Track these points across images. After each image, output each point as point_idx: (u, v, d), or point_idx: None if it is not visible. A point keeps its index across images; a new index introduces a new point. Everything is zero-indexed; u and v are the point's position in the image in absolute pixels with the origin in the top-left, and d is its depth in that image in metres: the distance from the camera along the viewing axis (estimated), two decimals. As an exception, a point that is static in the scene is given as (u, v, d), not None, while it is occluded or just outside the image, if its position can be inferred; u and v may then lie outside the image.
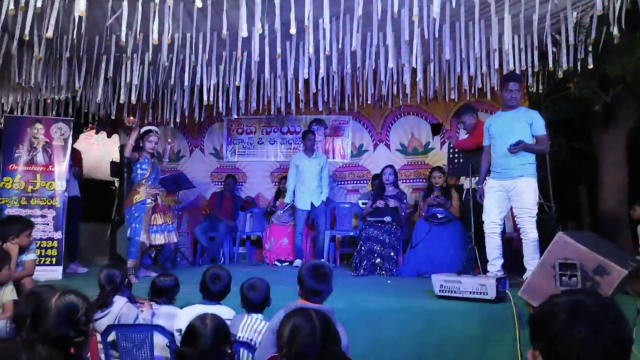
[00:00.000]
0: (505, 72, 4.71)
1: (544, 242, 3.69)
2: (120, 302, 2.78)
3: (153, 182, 4.82)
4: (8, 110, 5.96)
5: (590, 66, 4.43)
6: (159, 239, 4.81)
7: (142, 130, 4.90)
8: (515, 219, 3.93)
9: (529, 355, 1.12)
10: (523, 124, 3.90)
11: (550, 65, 4.53)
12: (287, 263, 5.95)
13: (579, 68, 4.55)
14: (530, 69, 4.70)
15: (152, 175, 4.80)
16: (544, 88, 5.18)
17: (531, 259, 3.81)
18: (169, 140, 5.43)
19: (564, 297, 1.10)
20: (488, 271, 3.97)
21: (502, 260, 3.96)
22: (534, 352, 1.10)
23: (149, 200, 4.70)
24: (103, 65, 5.05)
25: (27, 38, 3.63)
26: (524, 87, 4.89)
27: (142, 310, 2.81)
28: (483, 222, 4.01)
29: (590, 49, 4.39)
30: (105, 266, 2.95)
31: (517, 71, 4.69)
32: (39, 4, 3.25)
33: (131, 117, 4.93)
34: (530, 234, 3.82)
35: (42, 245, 4.76)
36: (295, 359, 1.55)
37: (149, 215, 4.72)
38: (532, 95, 5.56)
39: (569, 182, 6.22)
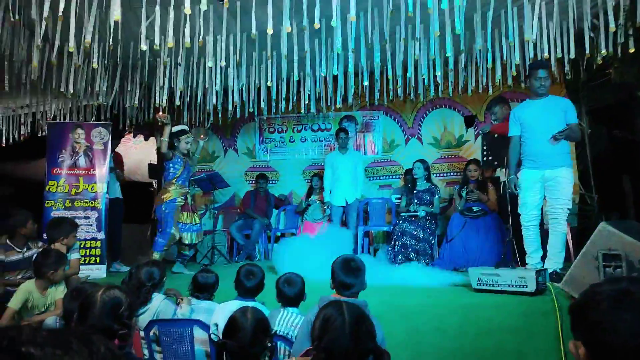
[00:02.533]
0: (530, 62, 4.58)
1: (586, 234, 3.59)
2: (158, 299, 2.86)
3: (184, 181, 4.90)
4: (51, 117, 6.22)
5: (632, 50, 4.25)
6: (186, 238, 4.88)
7: (176, 129, 4.99)
8: (547, 209, 3.79)
9: (571, 346, 1.09)
10: (558, 112, 3.79)
11: (588, 51, 4.37)
12: (322, 259, 5.98)
13: (619, 53, 4.37)
14: (566, 56, 4.55)
15: (183, 175, 4.87)
16: (581, 75, 5.00)
17: (559, 252, 3.74)
18: (202, 136, 5.51)
19: (606, 286, 1.07)
20: (527, 264, 3.89)
21: (541, 252, 3.87)
22: (576, 343, 1.07)
23: (179, 199, 4.78)
24: (138, 70, 5.22)
25: (72, 50, 3.80)
26: (553, 74, 4.72)
27: (181, 307, 2.89)
28: (519, 214, 3.89)
29: (630, 32, 4.21)
30: (145, 264, 3.04)
31: (553, 59, 4.56)
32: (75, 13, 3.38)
33: (161, 113, 4.98)
34: (562, 226, 3.73)
35: (86, 246, 4.96)
36: (327, 351, 1.56)
37: (178, 211, 4.81)
38: (570, 83, 5.38)
39: (611, 171, 5.98)
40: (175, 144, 4.89)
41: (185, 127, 5.10)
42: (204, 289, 3.00)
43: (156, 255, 4.66)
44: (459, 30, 3.63)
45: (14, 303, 3.16)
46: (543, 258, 3.85)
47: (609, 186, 5.86)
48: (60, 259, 3.36)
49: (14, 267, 3.81)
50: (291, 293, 2.62)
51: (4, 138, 6.27)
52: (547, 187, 3.77)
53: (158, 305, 2.80)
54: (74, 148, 5.17)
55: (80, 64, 4.64)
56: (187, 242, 4.89)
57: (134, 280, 2.88)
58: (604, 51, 4.28)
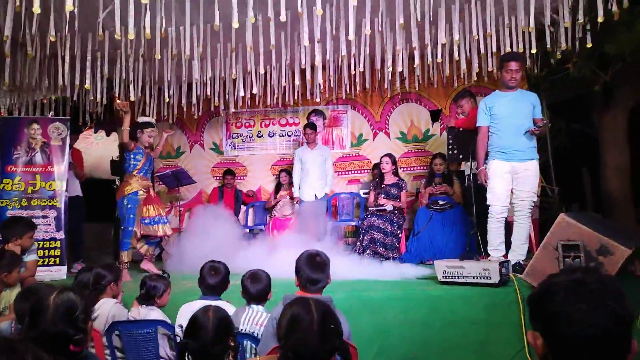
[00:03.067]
0: (502, 54, 4.66)
1: (547, 225, 3.68)
2: (109, 304, 2.75)
3: (145, 173, 4.72)
4: (6, 112, 5.94)
5: (589, 45, 4.38)
6: (153, 231, 4.70)
7: (141, 120, 4.81)
8: (514, 201, 3.82)
9: (529, 336, 1.10)
10: (528, 106, 3.83)
11: (549, 45, 4.48)
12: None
13: (577, 48, 4.49)
14: (528, 51, 4.64)
15: (144, 167, 4.69)
16: (542, 69, 5.12)
17: (522, 243, 3.81)
18: (166, 129, 5.33)
19: (562, 276, 1.08)
20: (489, 255, 3.95)
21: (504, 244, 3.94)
22: (534, 333, 1.08)
23: (140, 192, 4.61)
24: (98, 63, 5.03)
25: (20, 40, 3.63)
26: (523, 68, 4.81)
27: (130, 310, 2.80)
28: (489, 206, 3.85)
29: (588, 27, 4.33)
30: (99, 266, 2.92)
31: (514, 53, 4.63)
32: (36, 5, 3.21)
33: (119, 101, 4.69)
34: (528, 218, 3.80)
35: (45, 246, 4.77)
36: (294, 350, 1.53)
37: (141, 207, 4.63)
38: (531, 77, 5.51)
39: (570, 164, 6.18)
40: (138, 135, 4.68)
41: (152, 121, 4.90)
42: (149, 294, 2.87)
43: (124, 256, 4.51)
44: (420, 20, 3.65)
45: (-36, 307, 3.01)
46: (506, 249, 3.93)
47: (568, 179, 6.05)
48: (14, 260, 3.20)
49: None
50: (254, 290, 2.57)
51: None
52: (515, 180, 3.79)
53: (109, 310, 2.69)
54: (29, 144, 4.95)
55: (34, 55, 4.43)
56: (151, 234, 4.70)
57: (78, 282, 2.77)
58: (563, 45, 4.38)
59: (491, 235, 3.88)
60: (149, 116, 5.58)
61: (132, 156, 4.64)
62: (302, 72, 5.10)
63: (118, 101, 4.67)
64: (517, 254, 3.82)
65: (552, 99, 5.81)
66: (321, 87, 5.58)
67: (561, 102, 5.80)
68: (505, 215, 3.85)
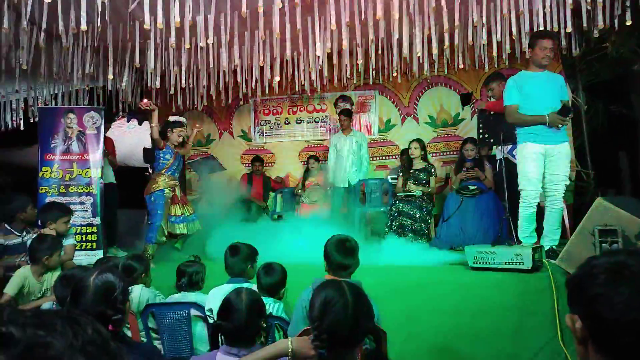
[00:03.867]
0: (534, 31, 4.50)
1: (583, 210, 3.57)
2: (137, 289, 2.82)
3: (173, 172, 4.76)
4: (43, 102, 6.13)
5: (629, 23, 4.19)
6: (179, 229, 4.77)
7: (172, 119, 4.88)
8: (546, 185, 3.68)
9: (568, 320, 1.07)
10: (557, 87, 3.70)
11: (585, 24, 4.30)
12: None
13: (616, 26, 4.30)
14: (563, 30, 4.47)
15: (172, 166, 4.73)
16: (578, 49, 4.93)
17: (556, 229, 3.70)
18: (197, 125, 5.42)
19: (604, 258, 1.04)
20: (521, 242, 3.87)
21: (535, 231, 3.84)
22: (573, 317, 1.05)
23: (166, 190, 4.65)
24: (128, 53, 5.13)
25: (62, 33, 3.72)
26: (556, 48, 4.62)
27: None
28: (521, 191, 3.69)
29: (628, 4, 4.14)
30: (128, 257, 3.00)
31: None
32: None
33: (144, 100, 4.74)
34: (560, 202, 3.68)
35: (82, 231, 4.94)
36: (328, 332, 1.54)
37: (168, 205, 4.70)
38: (566, 57, 5.32)
39: (607, 147, 5.96)
40: (168, 135, 4.71)
41: (183, 120, 4.92)
42: (184, 278, 2.94)
43: (149, 249, 4.61)
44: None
45: (10, 289, 3.16)
46: (539, 235, 3.83)
47: (605, 162, 5.85)
48: (55, 244, 3.34)
49: (13, 251, 3.81)
50: (266, 282, 2.59)
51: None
52: (548, 163, 3.65)
53: (139, 295, 2.76)
54: (66, 133, 5.11)
55: (69, 47, 4.55)
56: (178, 232, 4.76)
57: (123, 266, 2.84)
58: (601, 24, 4.20)
59: (523, 222, 3.74)
60: (178, 105, 5.64)
61: (161, 155, 4.69)
62: (330, 57, 5.06)
63: (143, 101, 4.74)
64: (550, 239, 3.71)
65: (589, 80, 5.60)
66: (348, 73, 5.54)
67: (598, 83, 5.58)
68: (538, 200, 3.71)
